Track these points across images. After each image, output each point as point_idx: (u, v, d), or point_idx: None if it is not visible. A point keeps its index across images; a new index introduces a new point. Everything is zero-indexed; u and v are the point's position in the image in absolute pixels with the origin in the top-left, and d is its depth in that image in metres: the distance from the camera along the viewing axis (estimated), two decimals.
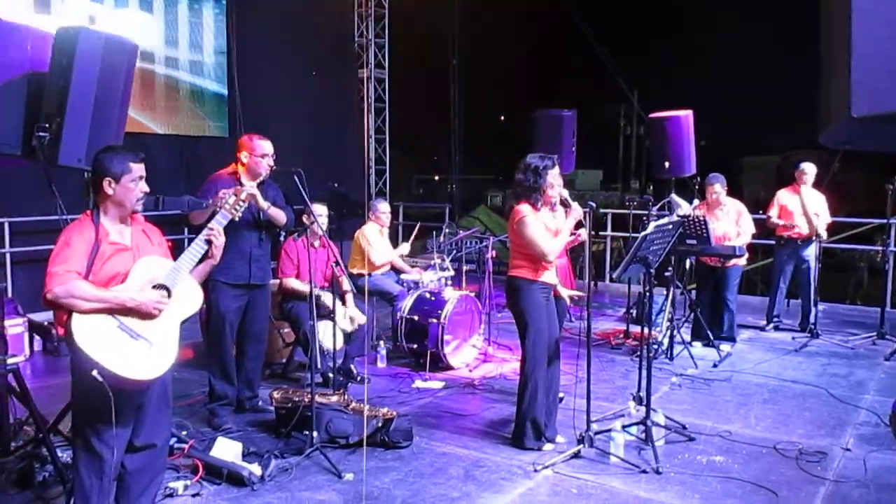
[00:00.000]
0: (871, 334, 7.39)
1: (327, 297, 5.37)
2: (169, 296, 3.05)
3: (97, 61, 3.66)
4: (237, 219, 3.39)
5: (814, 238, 7.36)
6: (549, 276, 4.55)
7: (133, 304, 2.93)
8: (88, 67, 3.64)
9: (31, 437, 4.05)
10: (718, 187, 6.86)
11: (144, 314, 2.96)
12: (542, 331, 4.46)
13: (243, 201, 3.40)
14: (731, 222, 6.85)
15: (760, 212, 7.99)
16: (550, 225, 4.51)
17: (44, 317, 6.66)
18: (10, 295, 6.95)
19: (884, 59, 1.68)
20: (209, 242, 3.23)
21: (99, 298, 2.88)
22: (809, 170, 7.48)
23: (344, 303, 5.72)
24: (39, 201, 6.40)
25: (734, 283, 7.00)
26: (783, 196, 7.58)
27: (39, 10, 7.83)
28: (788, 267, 7.61)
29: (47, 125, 3.63)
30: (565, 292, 4.83)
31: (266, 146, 4.76)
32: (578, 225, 4.79)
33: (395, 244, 7.36)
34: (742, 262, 7.04)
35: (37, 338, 6.77)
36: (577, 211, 4.53)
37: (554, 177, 4.46)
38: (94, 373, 2.80)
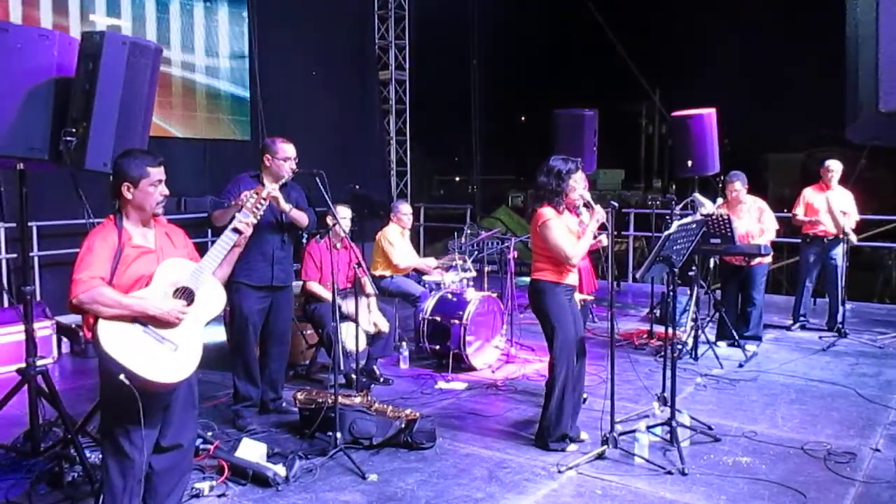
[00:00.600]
0: None
1: (349, 305, 5.38)
2: (192, 298, 3.07)
3: (122, 65, 3.69)
4: (258, 218, 3.40)
5: (841, 237, 7.25)
6: (572, 279, 4.53)
7: (155, 311, 2.95)
8: (114, 71, 3.67)
9: (59, 438, 4.11)
10: (738, 185, 6.79)
11: (166, 323, 2.98)
12: (569, 333, 4.45)
13: (264, 199, 3.42)
14: (752, 220, 6.78)
15: (785, 210, 7.91)
16: (573, 228, 4.50)
17: (71, 319, 6.74)
18: (38, 298, 7.06)
19: None
20: (238, 231, 3.24)
21: (122, 306, 2.91)
22: (835, 167, 7.38)
23: (367, 307, 5.74)
24: (67, 205, 6.48)
25: (760, 282, 6.92)
26: (809, 194, 7.49)
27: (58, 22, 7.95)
28: (815, 265, 7.51)
29: (74, 129, 3.67)
30: (577, 296, 4.81)
31: (289, 150, 4.79)
32: (601, 227, 4.77)
33: (415, 246, 7.36)
34: (767, 260, 6.96)
35: (64, 340, 6.86)
36: (600, 213, 4.50)
37: (577, 181, 4.45)
38: (122, 377, 2.83)
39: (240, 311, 4.84)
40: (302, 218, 4.90)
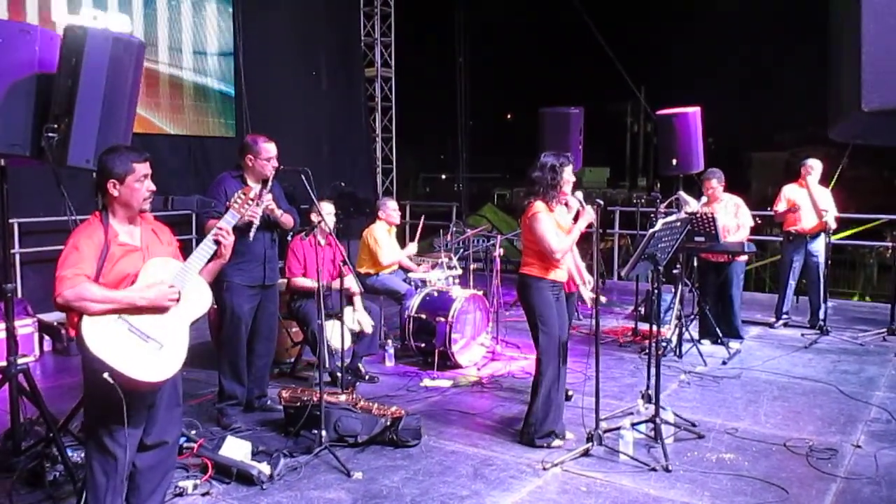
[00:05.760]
0: (882, 330, 7.36)
1: (335, 299, 5.36)
2: (178, 296, 3.05)
3: (105, 61, 3.65)
4: (245, 218, 3.39)
5: (823, 232, 7.32)
6: (559, 275, 4.56)
7: (144, 301, 2.92)
8: (96, 67, 3.63)
9: (41, 437, 4.07)
10: (715, 182, 6.85)
11: (157, 310, 2.95)
12: (553, 328, 4.47)
13: (252, 200, 3.40)
14: (729, 216, 6.82)
15: (769, 208, 7.96)
16: (563, 222, 4.56)
17: (53, 317, 6.69)
18: (19, 295, 6.99)
19: (895, 51, 1.67)
20: (218, 243, 3.22)
21: (109, 299, 2.88)
22: (816, 165, 7.45)
23: (352, 304, 5.73)
24: (48, 202, 6.44)
25: (739, 279, 6.98)
26: (790, 191, 7.53)
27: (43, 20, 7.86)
28: (797, 262, 7.56)
29: (56, 125, 3.62)
30: (586, 293, 4.85)
31: (271, 149, 4.74)
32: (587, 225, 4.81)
33: (401, 243, 7.35)
34: (744, 257, 7.02)
35: (46, 338, 6.79)
36: (590, 214, 4.55)
37: (569, 174, 4.51)
38: (106, 376, 2.81)
39: (232, 309, 4.81)
40: (289, 221, 4.93)
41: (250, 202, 3.40)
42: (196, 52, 9.78)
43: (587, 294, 5.06)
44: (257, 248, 4.80)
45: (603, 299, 5.14)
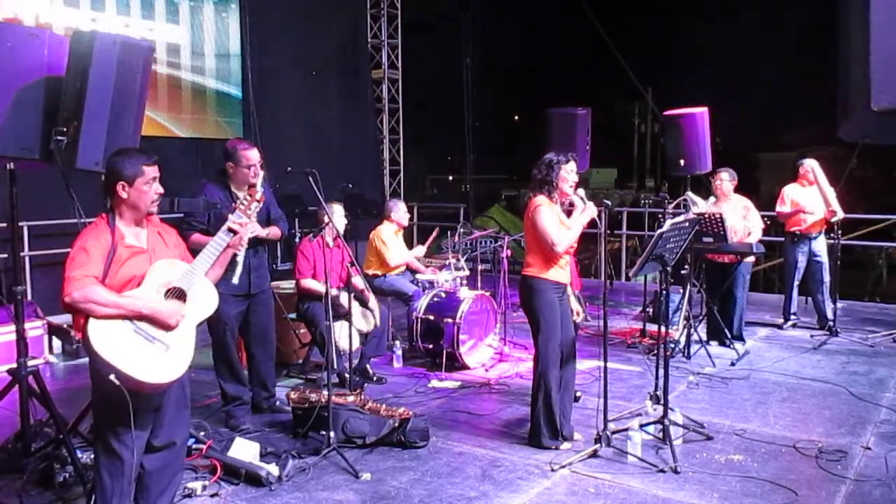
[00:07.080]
0: (891, 332, 7.31)
1: (344, 298, 5.37)
2: (184, 298, 3.06)
3: (113, 64, 3.67)
4: (252, 219, 3.41)
5: (831, 230, 7.29)
6: (560, 275, 4.53)
7: (149, 311, 2.94)
8: (105, 70, 3.65)
9: (51, 439, 4.09)
10: (726, 176, 6.82)
11: (161, 323, 2.97)
12: (555, 330, 4.46)
13: (258, 201, 3.41)
14: (738, 217, 6.77)
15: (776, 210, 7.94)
16: (565, 221, 4.52)
17: (63, 319, 6.71)
18: (29, 298, 7.02)
19: None
20: (233, 231, 3.23)
21: (116, 304, 2.90)
22: (815, 165, 7.41)
23: (363, 303, 5.74)
24: (58, 204, 6.44)
25: (745, 280, 6.94)
26: (792, 191, 7.47)
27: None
28: (801, 263, 7.51)
29: (65, 129, 3.65)
30: (574, 304, 4.82)
31: (251, 156, 4.65)
32: (591, 224, 4.79)
33: (409, 245, 7.36)
34: (751, 259, 6.99)
35: (56, 340, 6.82)
36: (591, 209, 4.53)
37: (568, 172, 4.48)
38: (112, 377, 2.82)
39: (217, 315, 4.80)
40: (276, 234, 4.93)
41: (257, 202, 3.41)
42: (204, 55, 9.81)
43: (574, 304, 5.00)
44: (241, 258, 4.79)
45: (580, 317, 5.09)
